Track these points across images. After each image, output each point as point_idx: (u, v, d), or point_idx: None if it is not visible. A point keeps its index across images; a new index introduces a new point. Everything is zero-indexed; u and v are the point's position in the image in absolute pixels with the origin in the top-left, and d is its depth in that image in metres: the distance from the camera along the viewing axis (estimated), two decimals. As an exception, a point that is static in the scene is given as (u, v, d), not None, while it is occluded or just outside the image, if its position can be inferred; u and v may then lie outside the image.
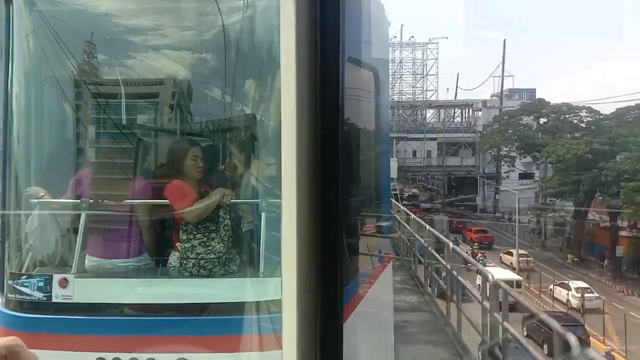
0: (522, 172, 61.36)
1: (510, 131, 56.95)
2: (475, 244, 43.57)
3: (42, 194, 3.67)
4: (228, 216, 3.62)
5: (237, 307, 3.20)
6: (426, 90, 75.19)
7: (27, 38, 3.68)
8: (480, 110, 71.35)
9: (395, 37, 68.92)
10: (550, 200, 53.78)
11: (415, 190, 69.89)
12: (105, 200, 3.70)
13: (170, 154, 3.86)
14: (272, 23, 3.06)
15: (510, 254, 41.46)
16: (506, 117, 58.58)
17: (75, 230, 3.57)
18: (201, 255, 3.54)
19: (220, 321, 3.18)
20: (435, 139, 67.99)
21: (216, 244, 3.56)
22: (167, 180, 3.65)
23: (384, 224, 4.22)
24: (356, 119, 3.77)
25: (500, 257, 42.19)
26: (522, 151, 56.90)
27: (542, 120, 55.98)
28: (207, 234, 3.56)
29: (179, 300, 3.43)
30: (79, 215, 3.58)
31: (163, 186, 3.63)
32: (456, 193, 70.72)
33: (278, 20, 1.55)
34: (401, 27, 70.89)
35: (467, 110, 74.55)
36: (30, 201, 3.65)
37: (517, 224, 43.95)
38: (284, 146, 1.58)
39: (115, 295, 3.52)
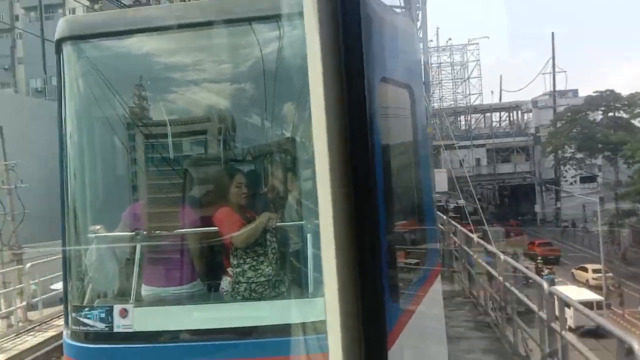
0: (584, 174, 56.37)
1: (575, 130, 51.71)
2: (539, 258, 37.82)
3: (99, 227, 3.84)
4: (275, 239, 3.69)
5: (289, 328, 3.24)
6: (469, 95, 70.13)
7: (77, 82, 3.90)
8: (530, 112, 66.17)
9: (431, 40, 65.24)
10: (634, 206, 46.63)
11: (461, 201, 60.67)
12: (158, 231, 3.84)
13: (215, 183, 3.99)
14: (301, 50, 3.15)
15: (585, 269, 36.76)
16: (569, 114, 52.98)
17: (131, 262, 3.71)
18: (252, 279, 3.62)
19: (273, 343, 3.23)
20: (483, 145, 62.40)
21: (265, 267, 3.63)
22: (214, 208, 3.77)
23: (429, 238, 4.18)
24: (392, 135, 3.79)
25: (573, 273, 37.53)
26: (590, 151, 51.33)
27: (608, 114, 49.76)
28: (256, 257, 3.64)
29: (233, 324, 3.50)
30: (134, 247, 3.73)
31: (211, 214, 3.75)
32: (510, 202, 65.18)
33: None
34: (437, 31, 69.83)
35: (514, 113, 69.46)
36: (88, 235, 3.83)
37: (599, 233, 37.67)
38: (317, 167, 1.63)
39: (173, 322, 3.62)
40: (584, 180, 56.77)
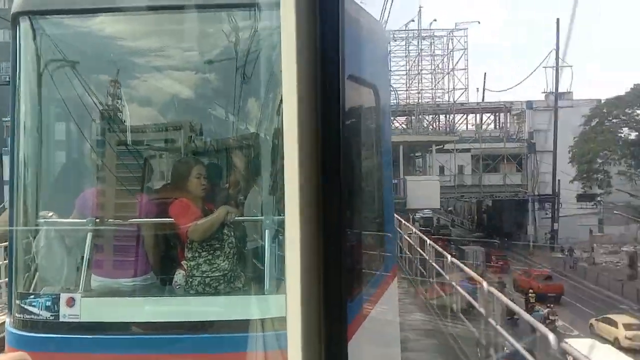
0: (584, 192, 46.75)
1: (607, 135, 42.31)
2: (531, 291, 29.87)
3: (50, 214, 3.71)
4: (232, 234, 3.64)
5: (243, 325, 3.21)
6: (453, 90, 55.04)
7: (34, 61, 3.75)
8: (516, 115, 55.08)
9: (412, 21, 53.33)
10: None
11: (427, 211, 52.30)
12: (111, 220, 3.73)
13: (174, 173, 3.91)
14: (273, 43, 3.12)
15: (613, 323, 25.13)
16: (604, 112, 44.05)
17: (81, 250, 3.59)
18: (206, 273, 3.56)
19: (227, 339, 3.19)
20: (468, 150, 50.81)
21: (221, 261, 3.58)
22: (171, 199, 3.69)
23: (388, 242, 4.22)
24: (357, 136, 3.80)
25: (593, 325, 26.18)
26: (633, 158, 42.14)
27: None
28: (212, 251, 3.59)
29: (186, 318, 3.44)
30: (85, 235, 3.61)
31: (168, 205, 3.67)
32: (497, 221, 53.94)
33: (278, 40, 1.59)
34: (419, 10, 54.19)
35: (501, 115, 56.92)
36: (37, 221, 3.68)
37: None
38: (286, 163, 1.61)
39: (122, 314, 3.53)
40: (581, 198, 47.62)
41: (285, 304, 1.56)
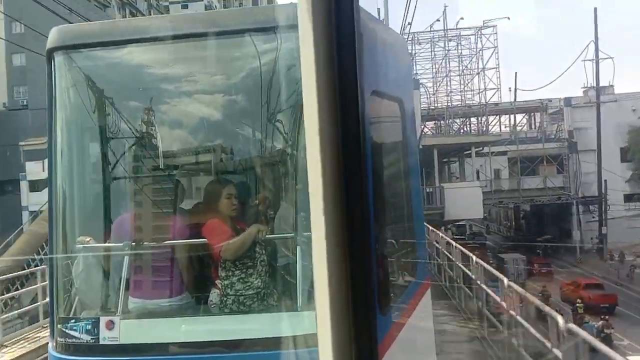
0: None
1: None
2: (579, 301, 27.05)
3: (88, 239, 3.81)
4: (264, 251, 3.68)
5: (278, 342, 3.23)
6: (484, 90, 50.20)
7: (68, 93, 3.89)
8: (553, 113, 51.74)
9: (437, 20, 50.02)
10: None
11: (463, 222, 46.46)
12: (146, 242, 3.82)
13: (206, 194, 3.98)
14: (293, 63, 3.18)
15: None
16: None
17: (119, 273, 3.68)
18: (240, 292, 3.60)
19: (262, 356, 3.21)
20: (504, 153, 47.57)
21: (254, 279, 3.61)
22: (204, 219, 3.75)
23: (419, 252, 4.19)
24: (383, 148, 3.81)
25: None
26: None
27: None
28: (244, 270, 3.63)
29: (221, 337, 3.47)
30: (122, 259, 3.70)
31: (200, 226, 3.73)
32: (538, 226, 50.55)
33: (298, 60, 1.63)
34: (444, 9, 49.52)
35: (534, 115, 54.49)
36: (75, 246, 3.79)
37: None
38: (310, 179, 1.64)
39: (160, 335, 3.59)
40: (631, 198, 44.61)
41: (315, 320, 1.58)
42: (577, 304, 27.06)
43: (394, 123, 4.06)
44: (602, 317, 24.61)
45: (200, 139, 4.11)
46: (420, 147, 26.68)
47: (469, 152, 43.28)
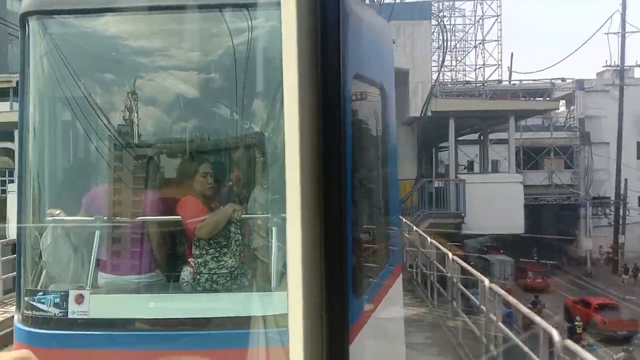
0: None
1: None
2: (578, 322, 22.27)
3: (58, 212, 3.74)
4: (239, 231, 3.66)
5: (249, 321, 3.23)
6: (483, 66, 41.01)
7: (42, 60, 3.78)
8: (562, 98, 40.13)
9: None
10: None
11: None
12: (118, 218, 3.76)
13: (181, 172, 3.93)
14: (274, 42, 3.14)
15: None
16: None
17: (89, 248, 3.63)
18: (213, 270, 3.59)
19: (233, 335, 3.21)
20: (505, 141, 33.55)
21: (228, 258, 3.60)
22: (178, 197, 3.72)
23: (393, 237, 4.23)
24: (362, 133, 3.81)
25: None
26: None
27: None
28: (218, 249, 3.61)
29: (192, 315, 3.46)
30: (93, 233, 3.64)
31: (175, 203, 3.70)
32: (533, 229, 32.69)
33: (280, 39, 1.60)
34: None
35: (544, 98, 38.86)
36: (45, 218, 3.72)
37: None
38: (287, 160, 1.62)
39: (130, 311, 3.56)
40: None
41: (287, 301, 1.58)
42: (576, 323, 22.41)
43: (375, 108, 4.06)
44: (623, 347, 19.28)
45: (177, 116, 4.05)
46: (427, 114, 22.26)
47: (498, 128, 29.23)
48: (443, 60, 31.06)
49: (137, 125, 4.02)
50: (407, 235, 14.99)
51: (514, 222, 22.00)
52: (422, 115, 22.95)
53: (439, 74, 28.76)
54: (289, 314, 1.56)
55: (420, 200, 21.56)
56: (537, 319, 6.04)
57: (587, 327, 22.52)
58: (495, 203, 20.90)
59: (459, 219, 21.40)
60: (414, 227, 15.00)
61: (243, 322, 3.25)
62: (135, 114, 3.97)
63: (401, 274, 4.27)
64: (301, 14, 1.62)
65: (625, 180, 36.15)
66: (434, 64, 27.67)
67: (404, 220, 15.76)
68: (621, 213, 36.02)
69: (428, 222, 20.84)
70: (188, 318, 3.43)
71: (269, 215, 3.60)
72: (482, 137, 29.63)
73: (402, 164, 22.72)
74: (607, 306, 25.06)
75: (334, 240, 1.53)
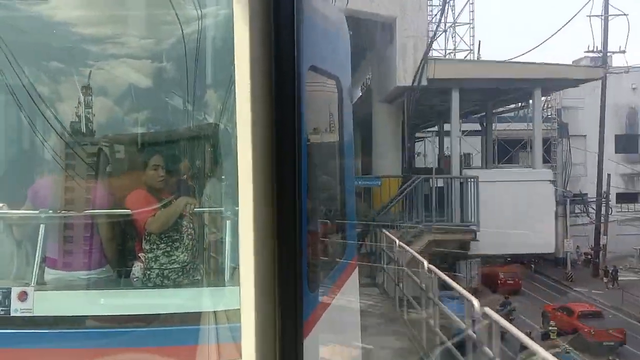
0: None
1: None
2: (552, 326, 21.89)
3: (1, 205, 3.59)
4: (192, 225, 3.60)
5: (202, 317, 3.18)
6: (454, 51, 35.20)
7: None
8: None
9: None
10: None
11: None
12: (65, 211, 3.63)
13: (130, 164, 3.83)
14: (227, 30, 3.08)
15: None
16: None
17: (34, 242, 3.49)
18: (165, 265, 3.52)
19: (184, 331, 3.15)
20: (478, 131, 30.43)
21: (180, 253, 3.54)
22: (128, 190, 3.62)
23: (349, 231, 4.25)
24: (317, 125, 3.80)
25: None
26: None
27: None
28: (170, 243, 3.55)
29: (143, 311, 3.39)
30: (38, 227, 3.51)
31: (124, 196, 3.60)
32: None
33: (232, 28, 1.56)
34: None
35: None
36: None
37: None
38: (240, 154, 1.59)
39: (77, 308, 3.46)
40: (621, 198, 35.31)
41: (239, 296, 1.54)
42: (550, 327, 21.42)
43: (331, 100, 4.05)
44: (609, 358, 18.71)
45: (127, 106, 3.93)
46: (421, 82, 17.23)
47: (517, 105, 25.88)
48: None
49: (86, 115, 3.88)
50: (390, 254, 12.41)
51: (544, 239, 16.39)
52: (416, 84, 17.06)
53: (438, 25, 21.87)
54: (242, 309, 1.53)
55: (413, 207, 15.69)
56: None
57: (574, 337, 20.91)
58: (518, 210, 16.02)
59: (468, 235, 15.60)
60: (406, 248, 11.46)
61: (195, 318, 3.19)
62: (84, 104, 3.84)
63: (357, 267, 4.31)
64: (254, 3, 1.58)
65: (608, 175, 33.90)
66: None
67: (388, 234, 12.96)
68: (603, 212, 33.72)
69: (425, 240, 14.97)
70: (137, 314, 3.35)
71: (222, 209, 3.55)
72: (484, 120, 24.53)
73: (382, 155, 19.87)
74: (590, 314, 23.21)
75: (287, 234, 1.51)
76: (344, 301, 4.00)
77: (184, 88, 3.69)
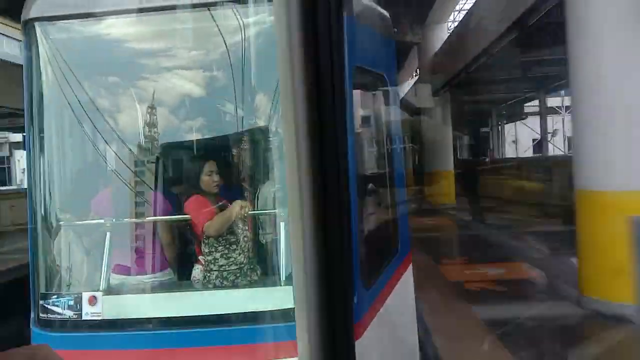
0: None
1: None
2: None
3: (68, 215, 3.79)
4: (247, 227, 3.69)
5: (260, 316, 3.25)
6: None
7: (47, 67, 3.81)
8: None
9: None
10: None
11: None
12: (127, 219, 3.80)
13: (186, 171, 3.97)
14: (270, 37, 3.13)
15: None
16: None
17: (101, 249, 3.67)
18: (223, 267, 3.62)
19: (243, 330, 3.23)
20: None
21: (237, 255, 3.63)
22: (185, 196, 3.75)
23: (402, 225, 4.22)
24: (365, 123, 3.81)
25: None
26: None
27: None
28: (227, 245, 3.65)
29: (204, 312, 3.49)
30: (104, 235, 3.68)
31: (182, 202, 3.73)
32: None
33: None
34: None
35: None
36: (56, 222, 3.77)
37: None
38: (286, 154, 1.62)
39: (142, 311, 3.60)
40: None
41: (293, 296, 1.58)
42: None
43: (377, 98, 4.05)
44: None
45: (181, 115, 4.07)
46: None
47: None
48: None
49: (143, 127, 4.05)
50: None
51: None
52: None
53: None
54: (296, 308, 1.57)
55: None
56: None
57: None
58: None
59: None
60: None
61: (254, 318, 3.27)
62: (140, 116, 4.00)
63: (411, 264, 4.28)
64: (293, 6, 1.61)
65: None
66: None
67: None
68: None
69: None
70: (199, 315, 3.46)
71: (277, 210, 3.62)
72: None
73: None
74: None
75: (336, 232, 1.53)
76: (399, 298, 3.99)
77: (234, 95, 3.79)
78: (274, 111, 3.63)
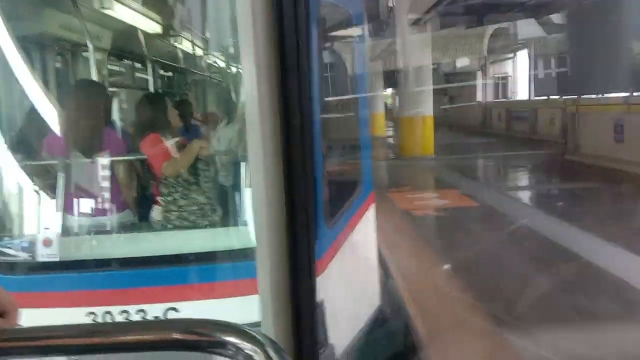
0: None
1: None
2: None
3: (20, 155, 3.64)
4: (207, 167, 3.63)
5: (220, 255, 3.25)
6: None
7: None
8: None
9: None
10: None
11: None
12: (83, 159, 3.67)
13: (144, 108, 3.82)
14: None
15: None
16: None
17: (54, 191, 3.56)
18: (183, 208, 3.58)
19: (204, 269, 3.23)
20: None
21: (197, 195, 3.59)
22: (143, 135, 3.63)
23: (363, 166, 4.23)
24: (330, 59, 3.72)
25: None
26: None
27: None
28: (187, 186, 3.59)
29: (163, 252, 3.46)
30: (57, 176, 3.56)
31: (139, 141, 3.62)
32: None
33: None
34: None
35: None
36: (9, 163, 3.62)
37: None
38: (248, 94, 1.57)
39: (100, 251, 3.55)
40: None
41: (255, 235, 1.56)
42: None
43: (343, 33, 3.95)
44: None
45: (139, 51, 3.88)
46: None
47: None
48: None
49: (96, 61, 3.86)
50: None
51: None
52: None
53: None
54: (257, 246, 1.55)
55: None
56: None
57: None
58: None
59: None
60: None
61: (212, 257, 3.26)
62: (94, 50, 3.80)
63: (373, 204, 4.32)
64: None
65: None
66: None
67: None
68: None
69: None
70: (158, 255, 3.44)
71: (237, 151, 3.57)
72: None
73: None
74: None
75: (298, 171, 1.51)
76: (361, 236, 4.04)
77: (195, 33, 3.63)
78: (237, 53, 3.51)
